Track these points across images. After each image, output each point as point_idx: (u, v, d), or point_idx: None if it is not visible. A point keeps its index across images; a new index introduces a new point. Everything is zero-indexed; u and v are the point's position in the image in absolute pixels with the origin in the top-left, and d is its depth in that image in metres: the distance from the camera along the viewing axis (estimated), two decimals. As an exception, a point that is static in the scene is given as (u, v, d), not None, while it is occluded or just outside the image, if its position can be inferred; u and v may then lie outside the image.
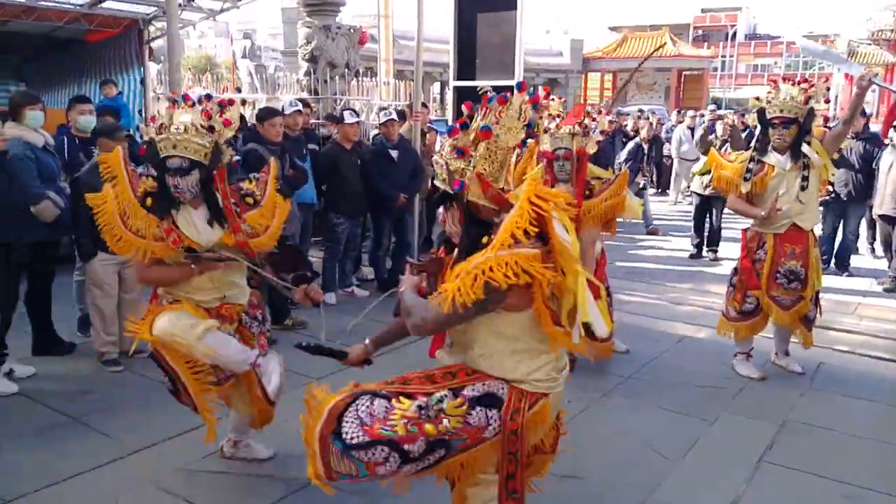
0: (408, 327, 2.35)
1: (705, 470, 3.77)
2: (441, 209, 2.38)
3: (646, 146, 10.84)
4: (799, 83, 4.69)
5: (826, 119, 5.14)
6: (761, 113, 4.75)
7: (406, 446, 2.25)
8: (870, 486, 3.62)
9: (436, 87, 31.96)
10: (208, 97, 3.24)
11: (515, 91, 2.31)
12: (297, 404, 4.37)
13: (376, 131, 7.61)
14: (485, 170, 2.26)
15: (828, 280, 5.53)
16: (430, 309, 2.27)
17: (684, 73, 40.11)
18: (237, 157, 3.68)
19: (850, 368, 5.31)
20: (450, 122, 8.63)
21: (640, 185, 10.49)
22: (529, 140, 3.26)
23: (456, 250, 2.37)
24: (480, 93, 2.37)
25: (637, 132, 12.99)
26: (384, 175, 6.66)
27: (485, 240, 2.18)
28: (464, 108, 2.39)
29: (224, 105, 3.23)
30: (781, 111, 4.62)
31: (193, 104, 3.15)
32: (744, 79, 51.37)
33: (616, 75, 41.19)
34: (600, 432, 4.18)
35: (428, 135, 8.13)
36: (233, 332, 3.41)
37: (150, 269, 3.24)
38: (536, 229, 2.14)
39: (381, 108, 6.96)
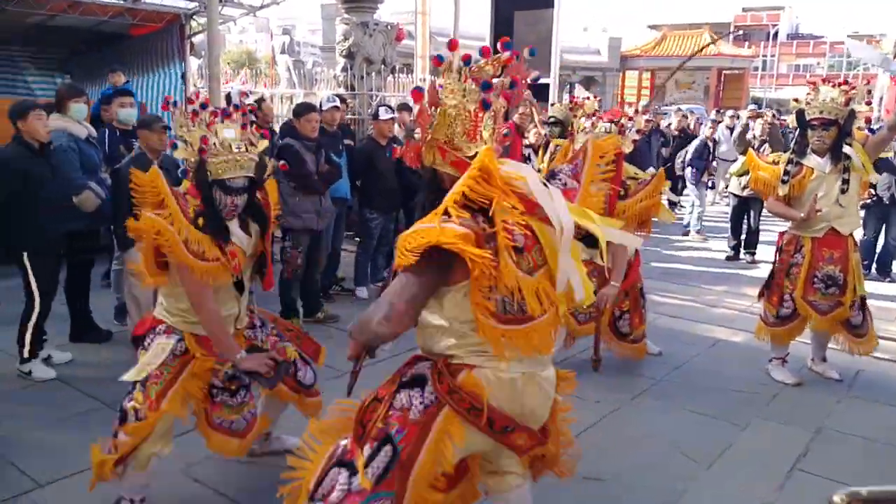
0: (376, 334, 2.13)
1: (735, 476, 3.71)
2: None
3: (711, 144, 10.52)
4: (839, 85, 4.61)
5: (868, 121, 5.01)
6: (800, 114, 4.67)
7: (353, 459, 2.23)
8: None
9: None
10: (236, 107, 3.14)
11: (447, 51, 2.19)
12: (327, 396, 4.45)
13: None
14: (444, 136, 2.17)
15: (869, 286, 5.40)
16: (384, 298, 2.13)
17: (724, 72, 39.49)
18: (283, 161, 3.63)
19: (890, 376, 5.18)
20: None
21: (709, 185, 10.26)
22: (562, 140, 3.21)
23: None
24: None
25: (683, 130, 12.79)
26: (417, 171, 6.65)
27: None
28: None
29: (246, 112, 3.14)
30: (821, 112, 4.55)
31: (226, 113, 3.05)
32: (785, 79, 50.35)
33: (654, 74, 40.68)
34: (628, 434, 4.14)
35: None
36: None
37: (206, 308, 3.00)
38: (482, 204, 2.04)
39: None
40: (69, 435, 3.87)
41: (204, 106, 3.02)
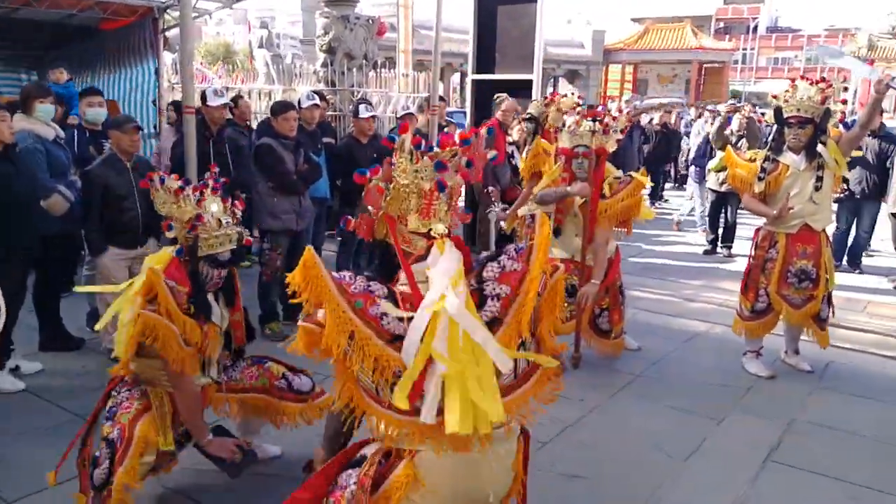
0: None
1: (711, 470, 3.75)
2: None
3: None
4: (817, 83, 4.63)
5: (843, 119, 4.99)
6: (778, 112, 4.71)
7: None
8: (875, 486, 3.60)
9: (456, 77, 31.82)
10: (208, 185, 3.15)
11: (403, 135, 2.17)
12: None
13: (394, 125, 7.55)
14: (397, 211, 2.17)
15: (839, 277, 5.49)
16: None
17: (705, 65, 39.73)
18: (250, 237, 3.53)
19: (858, 367, 5.24)
20: (467, 121, 8.56)
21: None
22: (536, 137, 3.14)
23: None
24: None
25: (665, 126, 12.71)
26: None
27: None
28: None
29: (218, 189, 3.16)
30: (798, 110, 4.58)
31: (204, 184, 3.13)
32: (764, 72, 50.78)
33: (637, 67, 40.86)
34: (608, 431, 4.17)
35: (446, 128, 8.06)
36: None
37: (186, 394, 3.08)
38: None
39: (405, 109, 6.84)
40: (39, 449, 3.75)
41: (188, 182, 3.13)
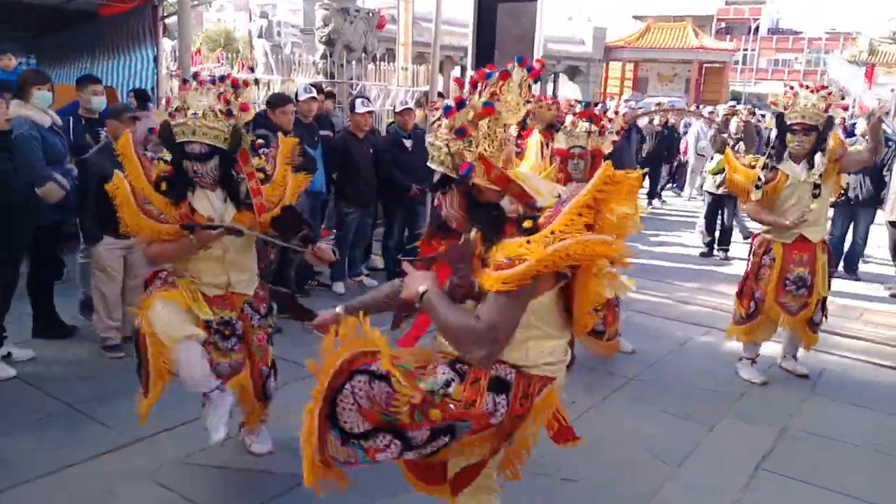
0: (470, 359, 2.10)
1: (703, 476, 3.75)
2: (438, 193, 2.21)
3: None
4: (817, 90, 4.63)
5: (845, 128, 4.98)
6: (780, 118, 4.68)
7: (410, 433, 2.15)
8: (865, 496, 3.60)
9: (456, 71, 31.72)
10: (222, 79, 3.20)
11: (515, 65, 2.14)
12: (294, 397, 4.39)
13: (391, 119, 7.52)
14: (486, 150, 2.11)
15: (835, 284, 5.49)
16: (483, 315, 2.02)
17: (706, 65, 39.70)
18: (260, 139, 3.59)
19: (852, 375, 5.24)
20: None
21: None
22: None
23: (466, 236, 2.20)
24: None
25: (665, 125, 12.67)
26: (398, 165, 6.58)
27: (528, 224, 2.04)
28: (454, 83, 2.27)
29: (238, 86, 3.19)
30: (803, 118, 4.56)
31: (208, 86, 3.12)
32: (764, 73, 50.73)
33: (638, 65, 40.82)
34: (601, 434, 4.14)
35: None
36: (235, 317, 3.40)
37: (150, 247, 3.22)
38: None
39: (403, 104, 6.78)
40: (30, 438, 3.75)
41: (195, 77, 3.17)
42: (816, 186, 4.62)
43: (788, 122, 4.63)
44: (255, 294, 3.52)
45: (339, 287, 6.63)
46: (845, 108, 4.87)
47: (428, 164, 2.15)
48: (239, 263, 3.37)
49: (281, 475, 3.54)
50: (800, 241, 4.76)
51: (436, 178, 2.16)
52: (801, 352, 5.19)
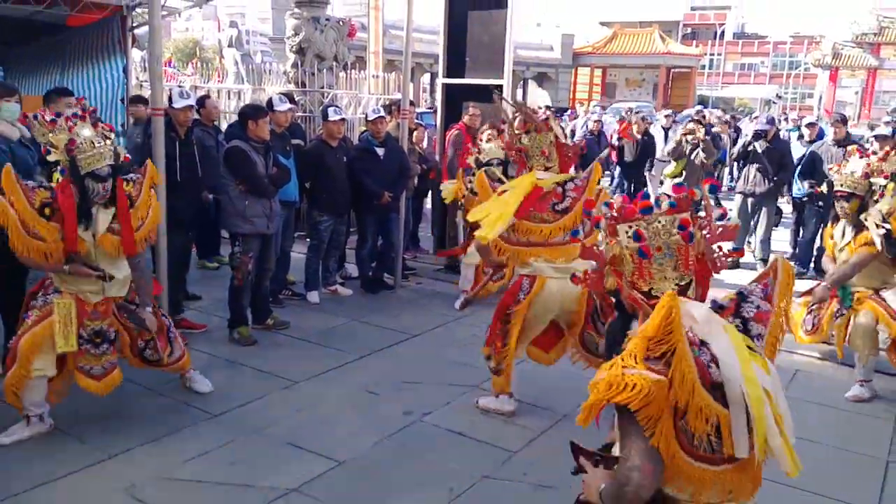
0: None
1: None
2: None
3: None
4: (867, 155, 4.95)
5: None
6: (830, 186, 5.14)
7: None
8: (832, 495, 3.68)
9: (426, 77, 31.80)
10: (78, 115, 3.75)
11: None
12: (277, 407, 4.40)
13: (364, 127, 7.52)
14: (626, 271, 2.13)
15: (807, 285, 5.60)
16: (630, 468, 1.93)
17: (673, 70, 40.22)
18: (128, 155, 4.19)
19: (823, 376, 5.30)
20: (438, 123, 8.56)
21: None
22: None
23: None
24: None
25: (646, 133, 12.48)
26: (369, 173, 6.58)
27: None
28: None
29: (85, 117, 3.75)
30: (841, 185, 4.89)
31: (60, 123, 3.68)
32: (731, 77, 51.60)
33: (606, 71, 41.25)
34: (579, 440, 4.16)
35: (415, 132, 8.05)
36: (106, 325, 3.93)
37: (26, 259, 3.74)
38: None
39: (375, 112, 6.79)
40: (3, 456, 3.69)
41: (59, 115, 3.74)
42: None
43: (834, 190, 4.99)
44: (128, 293, 4.07)
45: (314, 297, 6.61)
46: (887, 177, 4.88)
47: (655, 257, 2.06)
48: (110, 273, 3.88)
49: (260, 488, 3.53)
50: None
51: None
52: (781, 356, 5.23)
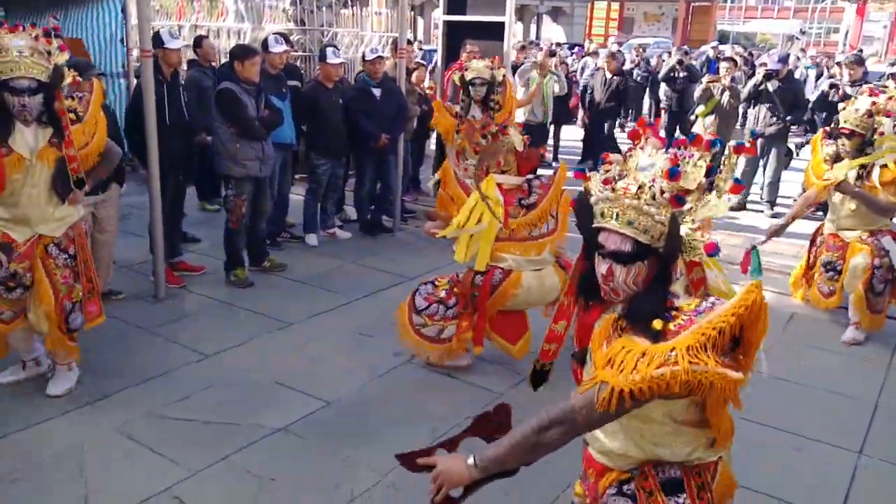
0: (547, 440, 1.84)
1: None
2: (607, 261, 1.82)
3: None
4: (875, 94, 4.83)
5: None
6: (836, 123, 4.93)
7: None
8: (819, 437, 3.74)
9: (437, 12, 31.05)
10: (33, 25, 3.53)
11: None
12: (268, 348, 4.49)
13: (360, 69, 7.41)
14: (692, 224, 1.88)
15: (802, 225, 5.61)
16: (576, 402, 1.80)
17: (693, 4, 39.04)
18: (79, 78, 3.80)
19: (819, 320, 5.28)
20: (439, 60, 8.40)
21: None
22: None
23: (617, 311, 1.90)
24: None
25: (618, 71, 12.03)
26: (366, 115, 6.51)
27: (658, 324, 1.72)
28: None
29: (49, 34, 3.48)
30: (845, 122, 4.79)
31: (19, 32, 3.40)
32: (753, 11, 49.87)
33: (623, 5, 40.12)
34: (542, 406, 4.20)
35: (415, 72, 7.92)
36: (23, 270, 3.61)
37: None
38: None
39: (374, 52, 6.64)
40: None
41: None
42: (863, 166, 4.75)
43: (838, 127, 4.86)
44: (65, 235, 3.73)
45: (312, 239, 6.65)
46: (888, 115, 4.78)
47: (614, 226, 1.78)
48: (39, 211, 3.62)
49: (248, 426, 3.63)
50: (835, 236, 5.04)
51: (622, 247, 1.78)
52: (775, 296, 5.33)
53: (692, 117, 9.21)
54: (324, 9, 9.18)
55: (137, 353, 4.36)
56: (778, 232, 5.19)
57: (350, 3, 9.91)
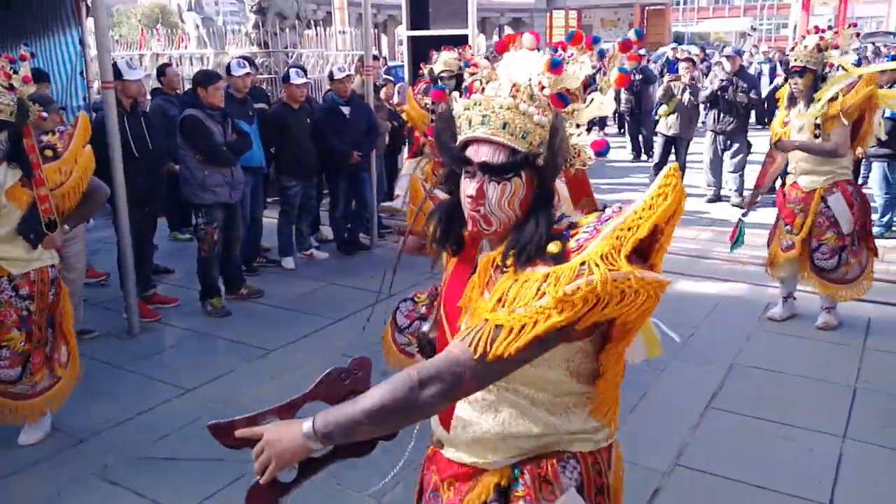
0: (421, 401, 1.41)
1: (653, 421, 3.81)
2: (477, 179, 1.48)
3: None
4: (819, 31, 4.78)
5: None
6: (785, 64, 4.86)
7: None
8: (806, 425, 3.74)
9: (401, 29, 31.17)
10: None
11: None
12: (250, 378, 4.37)
13: (329, 87, 7.35)
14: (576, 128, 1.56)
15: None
16: (462, 359, 1.40)
17: (647, 8, 39.62)
18: (44, 113, 3.64)
19: (798, 307, 5.26)
20: (406, 77, 8.36)
21: None
22: None
23: (501, 248, 1.51)
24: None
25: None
26: (336, 133, 6.45)
27: (555, 247, 1.41)
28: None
29: (14, 62, 3.29)
30: (796, 60, 4.75)
31: None
32: (705, 12, 50.86)
33: (581, 13, 40.59)
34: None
35: (383, 88, 7.87)
36: None
37: None
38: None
39: (341, 70, 6.59)
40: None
41: None
42: (818, 127, 4.67)
43: (790, 67, 4.83)
44: (24, 275, 3.48)
45: (289, 262, 6.54)
46: (836, 47, 4.77)
47: (485, 133, 1.45)
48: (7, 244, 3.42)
49: (233, 461, 3.48)
50: (795, 185, 4.93)
51: (495, 157, 1.45)
52: (752, 287, 5.39)
53: (655, 116, 9.43)
54: (287, 30, 9.11)
55: (113, 393, 4.21)
56: (754, 198, 5.23)
57: (313, 23, 9.85)
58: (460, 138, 1.49)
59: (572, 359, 1.52)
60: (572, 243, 1.42)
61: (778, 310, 5.16)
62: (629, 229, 1.36)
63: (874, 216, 7.28)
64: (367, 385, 1.65)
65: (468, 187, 1.48)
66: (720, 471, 3.36)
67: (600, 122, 15.78)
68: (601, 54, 1.54)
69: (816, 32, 4.76)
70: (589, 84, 1.54)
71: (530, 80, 1.47)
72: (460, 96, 1.52)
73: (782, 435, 3.66)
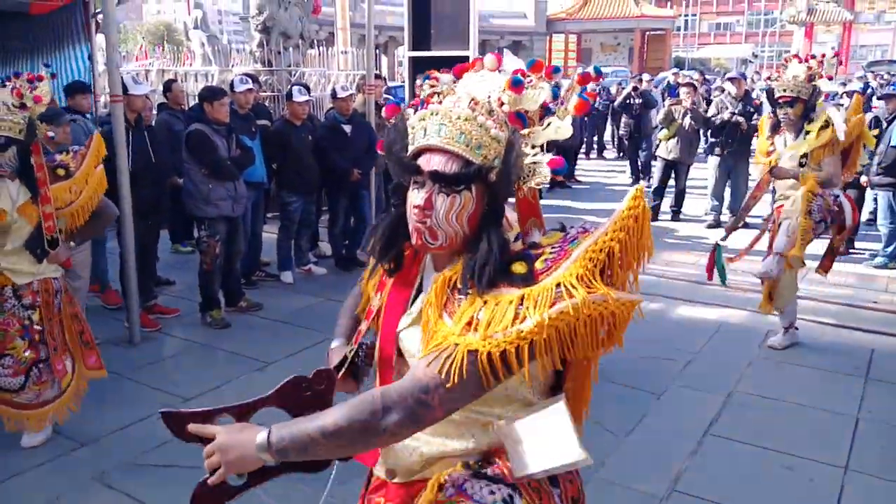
0: (383, 429, 1.38)
1: (650, 446, 3.82)
2: (425, 189, 1.46)
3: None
4: (806, 60, 4.78)
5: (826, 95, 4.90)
6: (770, 93, 4.88)
7: None
8: (807, 455, 3.72)
9: (401, 50, 31.44)
10: (16, 75, 3.48)
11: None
12: (248, 390, 4.41)
13: (331, 105, 7.47)
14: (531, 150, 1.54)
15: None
16: (427, 385, 1.38)
17: (648, 33, 40.01)
18: (51, 133, 3.78)
19: (798, 335, 5.29)
20: (406, 97, 8.50)
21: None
22: None
23: (456, 267, 1.49)
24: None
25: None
26: (338, 150, 6.56)
27: (520, 268, 1.40)
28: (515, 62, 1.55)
29: (33, 81, 3.42)
30: (784, 90, 4.73)
31: (3, 83, 3.39)
32: (706, 38, 51.47)
33: (581, 37, 40.98)
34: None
35: (385, 107, 7.98)
36: None
37: None
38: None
39: (344, 89, 6.73)
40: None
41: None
42: (804, 156, 4.73)
43: (776, 97, 4.80)
44: (28, 285, 3.58)
45: (287, 277, 6.62)
46: (830, 79, 4.90)
47: (439, 142, 1.43)
48: (14, 256, 3.54)
49: (232, 469, 3.56)
50: (779, 210, 4.97)
51: (447, 167, 1.43)
52: (751, 315, 5.41)
53: (656, 141, 9.55)
54: (290, 49, 9.26)
55: (114, 400, 4.27)
56: (736, 224, 5.29)
57: (316, 43, 10.01)
58: (413, 147, 1.47)
59: (536, 375, 1.55)
60: (539, 264, 1.41)
61: (779, 338, 5.14)
62: (601, 251, 1.38)
63: (878, 246, 7.37)
64: (330, 398, 1.63)
65: (416, 197, 1.45)
66: (718, 498, 3.34)
67: (600, 148, 15.96)
68: (555, 94, 1.55)
69: (800, 62, 4.78)
70: (545, 113, 1.55)
71: (490, 96, 1.47)
72: (416, 111, 1.52)
73: (782, 464, 3.64)
